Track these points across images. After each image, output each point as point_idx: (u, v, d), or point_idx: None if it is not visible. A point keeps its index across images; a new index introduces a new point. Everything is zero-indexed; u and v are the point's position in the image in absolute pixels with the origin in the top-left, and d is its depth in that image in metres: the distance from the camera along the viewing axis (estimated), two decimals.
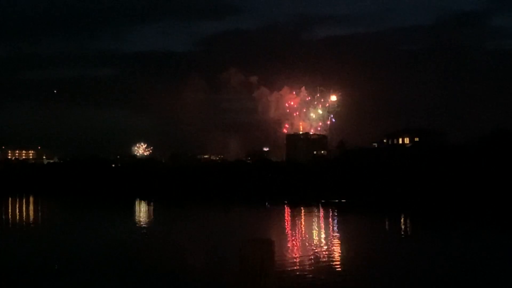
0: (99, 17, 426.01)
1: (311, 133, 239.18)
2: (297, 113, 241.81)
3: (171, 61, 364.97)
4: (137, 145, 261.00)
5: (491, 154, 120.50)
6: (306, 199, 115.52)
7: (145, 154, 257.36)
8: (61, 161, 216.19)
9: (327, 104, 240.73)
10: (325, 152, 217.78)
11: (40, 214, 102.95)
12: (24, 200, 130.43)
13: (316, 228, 73.72)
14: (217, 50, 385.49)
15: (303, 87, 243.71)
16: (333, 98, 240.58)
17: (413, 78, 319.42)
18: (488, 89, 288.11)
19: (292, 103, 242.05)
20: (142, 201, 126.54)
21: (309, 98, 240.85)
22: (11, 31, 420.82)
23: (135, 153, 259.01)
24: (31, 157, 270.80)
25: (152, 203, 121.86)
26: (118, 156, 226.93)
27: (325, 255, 49.78)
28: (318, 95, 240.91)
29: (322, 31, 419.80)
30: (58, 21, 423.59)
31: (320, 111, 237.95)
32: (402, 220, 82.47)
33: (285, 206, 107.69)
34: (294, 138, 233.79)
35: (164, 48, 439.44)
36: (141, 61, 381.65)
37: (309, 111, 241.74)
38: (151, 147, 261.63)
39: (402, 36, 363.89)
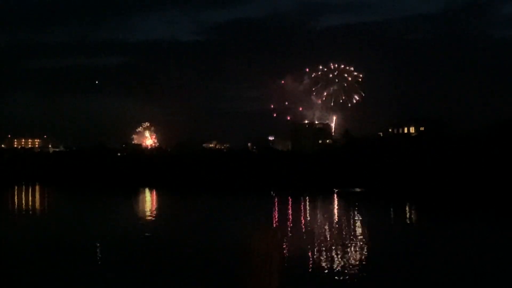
0: (105, 5, 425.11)
1: (316, 122, 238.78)
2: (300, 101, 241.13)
3: (177, 49, 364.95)
4: (143, 125, 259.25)
5: (497, 144, 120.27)
6: (311, 187, 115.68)
7: (151, 139, 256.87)
8: (67, 150, 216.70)
9: (326, 94, 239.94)
10: (330, 141, 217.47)
11: (46, 202, 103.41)
12: (30, 189, 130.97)
13: (319, 215, 73.92)
14: (222, 39, 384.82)
15: (306, 76, 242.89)
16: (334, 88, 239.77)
17: (419, 67, 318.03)
18: (495, 79, 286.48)
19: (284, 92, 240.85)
20: (148, 189, 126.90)
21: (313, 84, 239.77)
22: (17, 20, 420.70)
23: (140, 131, 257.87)
24: (37, 145, 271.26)
25: (158, 191, 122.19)
26: (124, 145, 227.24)
27: (325, 242, 49.99)
28: (320, 73, 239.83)
29: (327, 20, 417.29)
30: (64, 10, 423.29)
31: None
32: (407, 209, 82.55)
33: (290, 194, 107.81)
34: (299, 127, 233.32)
35: (170, 37, 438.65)
36: (147, 50, 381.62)
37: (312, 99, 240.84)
38: (153, 129, 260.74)
39: (408, 25, 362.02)
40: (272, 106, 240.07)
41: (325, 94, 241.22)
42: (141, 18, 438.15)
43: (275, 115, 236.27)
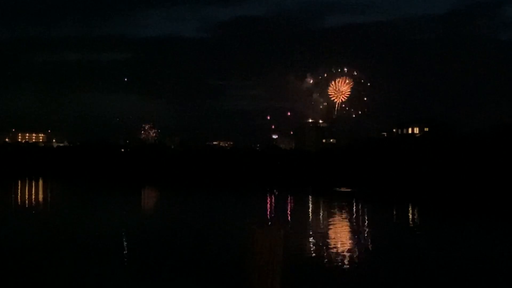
0: (110, 1, 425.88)
1: (320, 121, 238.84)
2: (303, 100, 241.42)
3: (182, 46, 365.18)
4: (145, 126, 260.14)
5: (502, 145, 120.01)
6: (314, 187, 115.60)
7: (152, 135, 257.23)
8: (71, 145, 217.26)
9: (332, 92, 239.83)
10: (334, 140, 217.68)
11: (49, 197, 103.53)
12: (33, 183, 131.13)
13: (321, 215, 73.86)
14: (227, 36, 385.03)
15: (308, 74, 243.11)
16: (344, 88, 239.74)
17: (424, 68, 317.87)
18: (500, 80, 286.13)
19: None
20: (152, 186, 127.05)
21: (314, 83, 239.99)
22: (21, 14, 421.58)
23: (142, 134, 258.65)
24: (41, 140, 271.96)
25: (161, 188, 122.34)
26: (127, 141, 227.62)
27: (327, 242, 49.96)
28: (320, 77, 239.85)
29: (333, 19, 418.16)
30: (70, 5, 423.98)
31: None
32: (410, 210, 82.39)
33: (293, 193, 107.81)
34: (303, 126, 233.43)
35: (175, 34, 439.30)
36: (151, 46, 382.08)
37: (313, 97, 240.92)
38: (155, 128, 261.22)
39: (414, 26, 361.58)
40: (268, 117, 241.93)
41: (327, 96, 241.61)
42: (146, 14, 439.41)
43: (273, 126, 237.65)
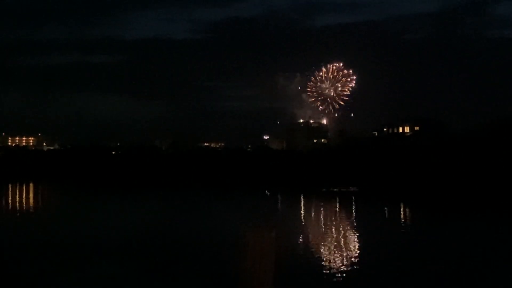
0: (100, 2, 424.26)
1: (311, 121, 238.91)
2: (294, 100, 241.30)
3: (173, 48, 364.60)
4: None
5: (492, 143, 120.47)
6: (305, 187, 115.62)
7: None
8: (62, 148, 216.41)
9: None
10: (325, 140, 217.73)
11: (40, 201, 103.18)
12: (24, 187, 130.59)
13: (312, 215, 73.94)
14: (218, 37, 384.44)
15: (298, 73, 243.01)
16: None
17: (414, 67, 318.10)
18: (490, 79, 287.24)
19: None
20: (143, 187, 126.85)
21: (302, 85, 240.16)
22: (10, 16, 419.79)
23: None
24: (31, 143, 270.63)
25: (153, 190, 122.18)
26: (118, 144, 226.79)
27: (314, 241, 50.01)
28: (312, 78, 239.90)
29: (324, 19, 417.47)
30: (60, 7, 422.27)
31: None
32: (401, 209, 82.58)
33: (285, 194, 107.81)
34: (294, 126, 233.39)
35: (165, 35, 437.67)
36: (142, 48, 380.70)
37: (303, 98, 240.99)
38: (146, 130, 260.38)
39: (404, 25, 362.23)
40: (267, 105, 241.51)
41: (317, 95, 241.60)
42: (137, 16, 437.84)
43: (264, 136, 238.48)
